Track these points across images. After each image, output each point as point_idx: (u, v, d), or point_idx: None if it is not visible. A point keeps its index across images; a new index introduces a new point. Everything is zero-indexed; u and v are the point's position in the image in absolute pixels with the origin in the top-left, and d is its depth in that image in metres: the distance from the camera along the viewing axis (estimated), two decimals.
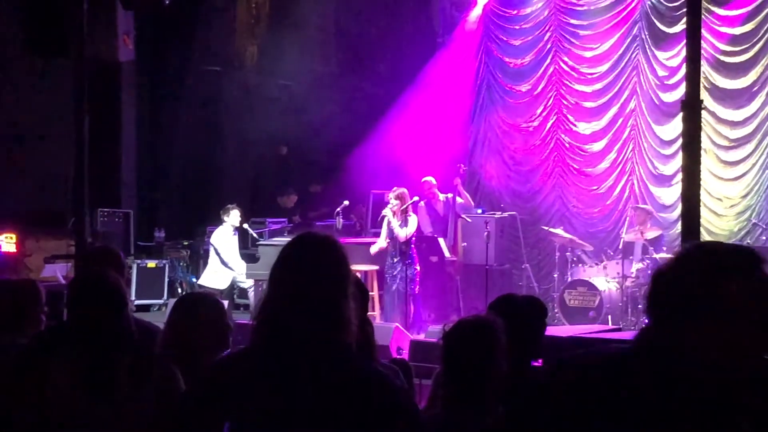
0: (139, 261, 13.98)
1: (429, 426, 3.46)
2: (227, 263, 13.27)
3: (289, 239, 2.84)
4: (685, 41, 6.53)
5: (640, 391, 2.19)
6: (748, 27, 13.25)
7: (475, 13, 15.51)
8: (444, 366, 3.62)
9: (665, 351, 2.21)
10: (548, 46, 15.02)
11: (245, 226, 14.01)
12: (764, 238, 13.00)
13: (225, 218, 13.38)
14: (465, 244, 13.49)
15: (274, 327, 2.68)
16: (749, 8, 13.22)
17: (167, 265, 14.26)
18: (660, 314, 2.26)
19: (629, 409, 2.18)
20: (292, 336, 2.64)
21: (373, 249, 12.33)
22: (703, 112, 6.77)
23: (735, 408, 2.21)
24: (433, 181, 13.43)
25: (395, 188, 12.30)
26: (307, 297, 2.65)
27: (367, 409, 2.58)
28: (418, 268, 12.19)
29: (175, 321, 4.19)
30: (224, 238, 13.37)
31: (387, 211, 12.14)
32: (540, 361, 4.81)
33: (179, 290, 14.62)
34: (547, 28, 15.02)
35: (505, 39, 15.46)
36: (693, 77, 5.62)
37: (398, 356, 9.11)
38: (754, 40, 13.23)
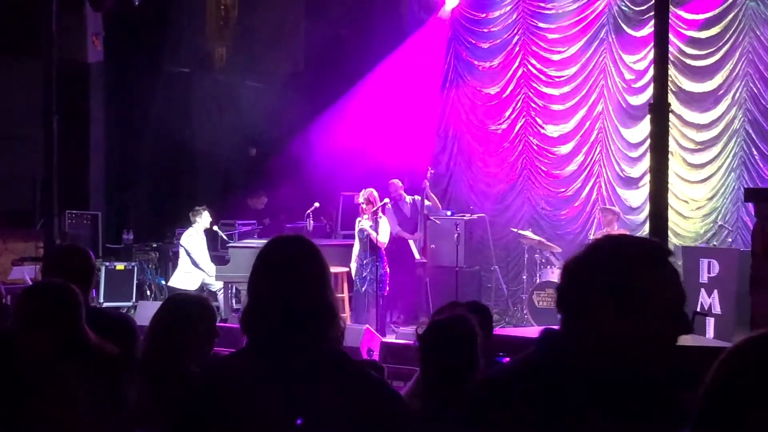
0: (107, 263, 13.90)
1: None
2: (198, 264, 13.26)
3: (263, 244, 2.84)
4: (651, 44, 6.58)
5: (557, 394, 2.17)
6: (715, 30, 13.37)
7: (444, 13, 15.57)
8: (422, 366, 3.63)
9: (576, 348, 2.19)
10: (516, 49, 15.10)
11: (215, 228, 13.97)
12: (730, 240, 13.12)
13: (197, 219, 13.35)
14: (433, 246, 13.54)
15: (265, 330, 2.68)
16: (715, 12, 13.35)
17: (136, 267, 14.18)
18: (571, 307, 2.24)
19: (552, 414, 2.15)
20: (285, 337, 2.64)
21: (354, 256, 12.35)
22: (670, 115, 6.83)
23: (655, 402, 2.21)
24: (399, 183, 13.52)
25: (364, 191, 12.32)
26: (292, 296, 2.65)
27: (365, 412, 2.58)
28: (387, 269, 12.23)
29: (163, 319, 4.17)
30: (195, 239, 13.34)
31: (364, 223, 12.15)
32: (503, 360, 4.84)
33: (148, 292, 14.56)
34: (515, 31, 15.10)
35: (473, 42, 15.54)
36: (661, 79, 5.68)
37: (369, 357, 9.15)
38: (720, 43, 13.35)
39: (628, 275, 2.18)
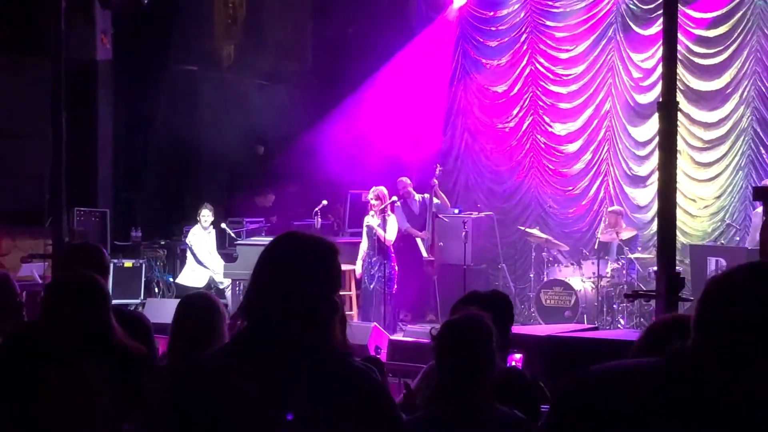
0: (115, 260, 13.88)
1: (421, 425, 3.48)
2: (201, 262, 13.32)
3: (274, 238, 2.85)
4: (659, 43, 6.59)
5: (673, 412, 2.03)
6: (723, 29, 13.37)
7: (452, 12, 15.57)
8: (439, 366, 3.62)
9: (704, 376, 2.02)
10: (524, 47, 15.10)
11: (223, 225, 14.02)
12: (738, 238, 13.12)
13: (198, 217, 13.52)
14: (441, 244, 13.55)
15: (257, 323, 2.69)
16: (724, 10, 13.35)
17: (144, 265, 14.20)
18: (706, 335, 2.05)
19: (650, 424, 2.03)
20: (276, 331, 2.64)
21: (361, 253, 12.37)
22: (678, 114, 6.83)
23: None
24: (408, 181, 13.52)
25: (374, 188, 12.34)
26: (289, 292, 2.66)
27: (350, 404, 2.59)
28: (396, 267, 12.24)
29: (183, 320, 4.18)
30: (198, 236, 13.42)
31: (372, 220, 12.17)
32: (513, 356, 4.84)
33: (156, 290, 14.58)
34: (523, 29, 15.09)
35: (481, 40, 15.53)
36: (669, 77, 5.66)
37: (376, 355, 9.16)
38: (728, 42, 13.36)
39: None
